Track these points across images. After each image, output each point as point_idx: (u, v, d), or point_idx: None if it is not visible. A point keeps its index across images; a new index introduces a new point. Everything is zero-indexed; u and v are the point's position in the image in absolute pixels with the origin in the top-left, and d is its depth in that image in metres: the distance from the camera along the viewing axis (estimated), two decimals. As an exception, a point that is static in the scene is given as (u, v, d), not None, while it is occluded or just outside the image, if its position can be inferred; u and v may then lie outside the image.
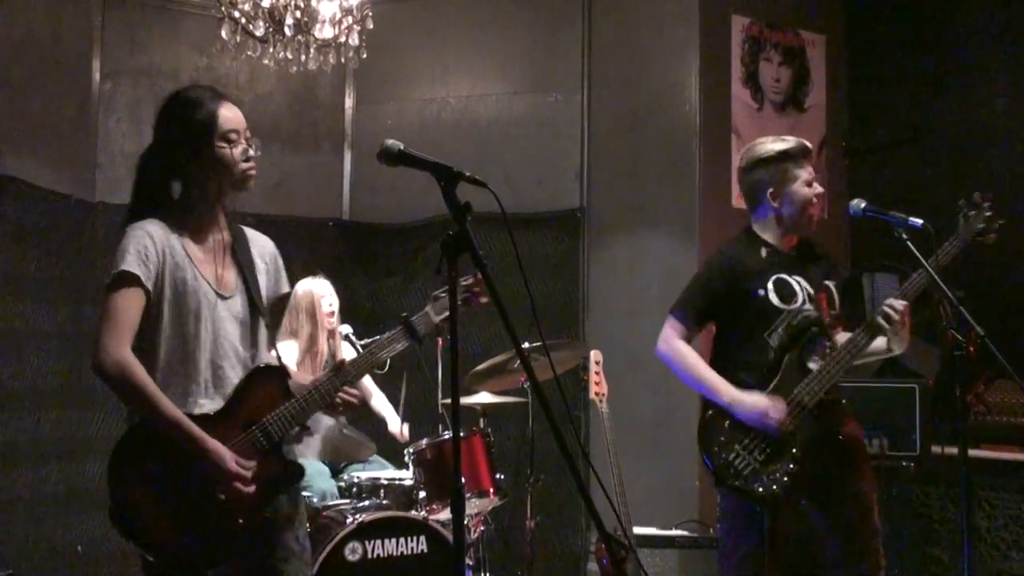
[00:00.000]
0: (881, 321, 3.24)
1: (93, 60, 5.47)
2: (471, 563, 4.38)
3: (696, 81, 5.36)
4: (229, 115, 2.69)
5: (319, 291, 4.75)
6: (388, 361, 4.61)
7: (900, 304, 3.23)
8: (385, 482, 4.29)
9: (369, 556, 3.82)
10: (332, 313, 4.74)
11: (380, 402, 4.96)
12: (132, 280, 2.56)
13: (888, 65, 5.73)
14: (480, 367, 4.45)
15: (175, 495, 2.52)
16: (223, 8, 4.71)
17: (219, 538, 2.57)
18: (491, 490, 4.21)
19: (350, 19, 4.85)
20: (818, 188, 3.43)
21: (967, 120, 5.32)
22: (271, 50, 4.84)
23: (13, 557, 4.70)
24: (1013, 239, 3.56)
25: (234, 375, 2.69)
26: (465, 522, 4.17)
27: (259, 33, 4.79)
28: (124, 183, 2.76)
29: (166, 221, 2.66)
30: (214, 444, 2.54)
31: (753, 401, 3.25)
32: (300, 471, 2.76)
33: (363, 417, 4.91)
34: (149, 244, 2.59)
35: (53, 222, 5.04)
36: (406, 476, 4.27)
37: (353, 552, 3.80)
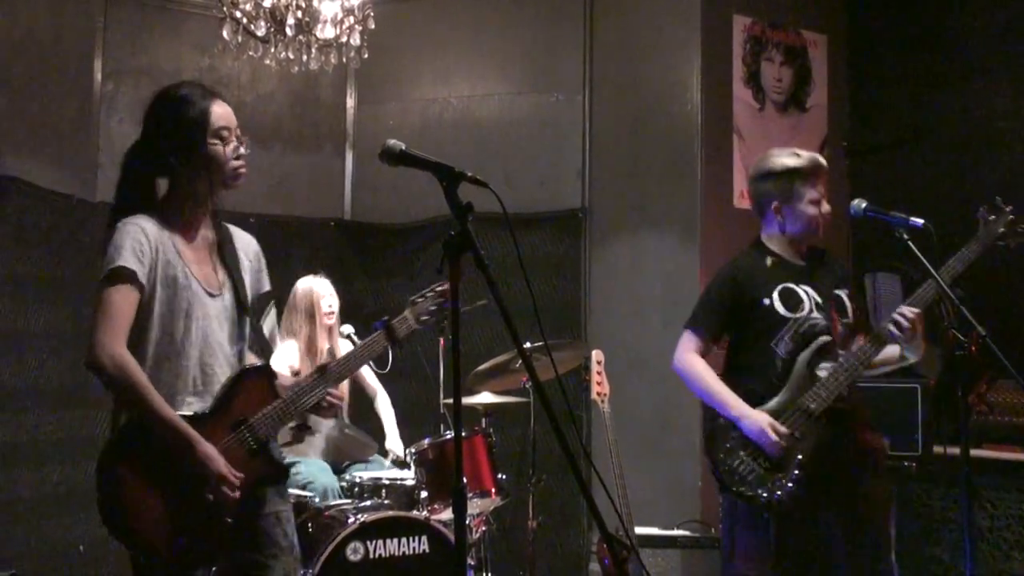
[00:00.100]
0: (892, 329, 3.24)
1: (95, 60, 5.47)
2: (473, 563, 4.37)
3: (697, 81, 5.36)
4: (221, 112, 2.69)
5: (319, 290, 4.75)
6: (390, 361, 4.65)
7: (910, 312, 3.23)
8: (387, 482, 4.29)
9: (371, 556, 3.82)
10: (331, 313, 4.73)
11: (384, 404, 4.95)
12: (128, 276, 2.55)
13: (890, 65, 5.72)
14: (482, 367, 4.46)
15: (165, 495, 2.53)
16: (225, 8, 4.72)
17: (208, 538, 2.58)
18: (493, 490, 4.21)
19: (351, 19, 4.85)
20: (826, 208, 3.43)
21: (969, 120, 5.31)
22: (273, 50, 4.85)
23: (14, 557, 4.70)
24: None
25: (222, 374, 2.70)
26: (467, 522, 4.17)
27: (261, 33, 4.80)
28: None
29: (156, 217, 2.66)
30: (205, 446, 2.54)
31: (756, 418, 3.27)
32: (286, 471, 2.79)
33: (365, 417, 4.91)
34: (143, 239, 2.59)
35: (54, 222, 5.04)
36: (408, 476, 4.27)
37: (355, 552, 3.80)
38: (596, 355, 4.42)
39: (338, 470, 4.58)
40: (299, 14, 4.75)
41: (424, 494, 4.10)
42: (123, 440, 2.58)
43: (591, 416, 5.28)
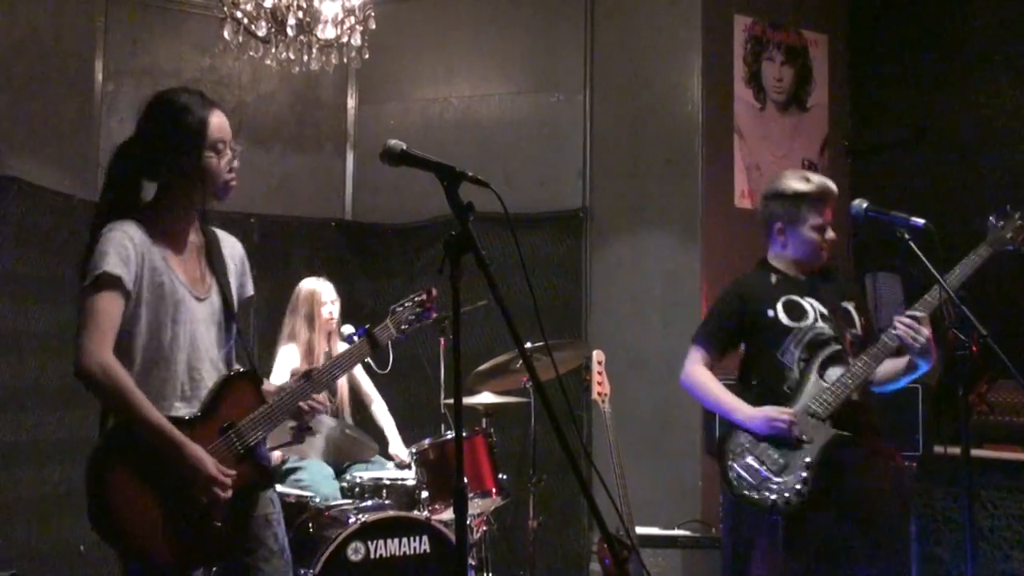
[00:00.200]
0: (898, 334, 3.27)
1: (96, 60, 5.47)
2: (473, 563, 4.37)
3: (698, 81, 5.36)
4: (218, 123, 2.68)
5: (321, 296, 4.74)
6: (390, 361, 4.65)
7: (907, 320, 3.26)
8: (387, 482, 4.29)
9: (372, 556, 3.82)
10: (331, 319, 4.73)
11: (381, 410, 4.95)
12: (114, 282, 2.54)
13: (891, 64, 5.72)
14: (483, 367, 4.45)
15: (154, 499, 2.52)
16: (225, 8, 4.72)
17: (198, 541, 2.57)
18: (493, 490, 4.21)
19: (352, 19, 4.85)
20: (830, 234, 3.48)
21: (970, 119, 5.31)
22: (273, 50, 4.85)
23: (16, 557, 4.70)
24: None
25: (209, 378, 2.70)
26: (467, 522, 4.17)
27: (261, 33, 4.80)
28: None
29: (142, 222, 2.64)
30: (195, 449, 2.54)
31: (761, 413, 3.33)
32: (273, 475, 2.82)
33: (363, 421, 4.91)
34: (129, 245, 2.57)
35: (55, 222, 5.04)
36: (408, 476, 4.27)
37: (356, 552, 3.80)
38: (597, 355, 4.41)
39: (339, 471, 4.59)
40: (300, 14, 4.75)
41: (425, 494, 4.10)
42: (112, 443, 2.58)
43: (592, 416, 5.28)
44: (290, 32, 4.76)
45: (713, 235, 5.30)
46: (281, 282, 5.47)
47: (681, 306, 5.31)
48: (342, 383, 4.78)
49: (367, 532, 3.82)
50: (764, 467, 3.30)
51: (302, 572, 3.68)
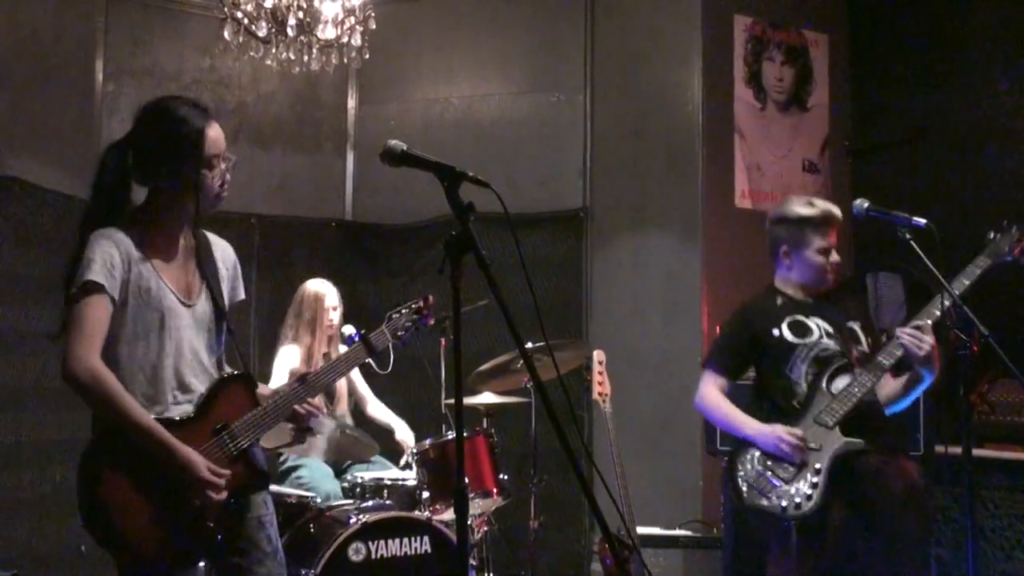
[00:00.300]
0: (902, 343, 3.31)
1: (96, 61, 5.47)
2: (474, 563, 4.37)
3: (699, 81, 5.36)
4: (214, 137, 2.68)
5: (326, 301, 4.73)
6: (391, 361, 4.65)
7: (911, 329, 3.31)
8: (388, 482, 4.29)
9: (373, 556, 3.82)
10: (331, 324, 4.73)
11: (377, 410, 4.95)
12: (98, 290, 2.54)
13: (891, 64, 5.72)
14: (483, 367, 4.46)
15: (146, 500, 2.53)
16: (226, 9, 4.72)
17: (190, 542, 2.58)
18: (494, 490, 4.21)
19: (352, 19, 4.85)
20: (834, 257, 3.56)
21: (971, 119, 5.30)
22: (274, 51, 4.85)
23: (17, 557, 4.70)
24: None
25: (198, 382, 2.70)
26: (468, 522, 4.16)
27: (262, 34, 4.80)
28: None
29: (130, 228, 2.64)
30: (186, 451, 2.55)
31: (769, 430, 3.38)
32: (267, 477, 2.80)
33: (363, 422, 4.91)
34: (115, 253, 2.58)
35: (56, 223, 5.04)
36: (409, 476, 4.27)
37: (357, 552, 3.80)
38: (597, 355, 4.42)
39: (339, 471, 4.59)
40: (300, 15, 4.75)
41: (426, 494, 4.10)
42: (103, 444, 2.59)
43: (592, 416, 5.28)
44: (290, 32, 4.76)
45: (713, 235, 5.30)
46: (281, 282, 5.47)
47: (681, 306, 5.32)
48: (341, 384, 4.78)
49: (368, 532, 3.82)
50: (774, 476, 3.35)
51: (303, 572, 3.68)
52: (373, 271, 6.05)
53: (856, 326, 3.57)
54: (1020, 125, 5.12)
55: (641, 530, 4.35)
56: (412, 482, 4.22)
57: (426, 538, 3.93)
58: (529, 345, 3.94)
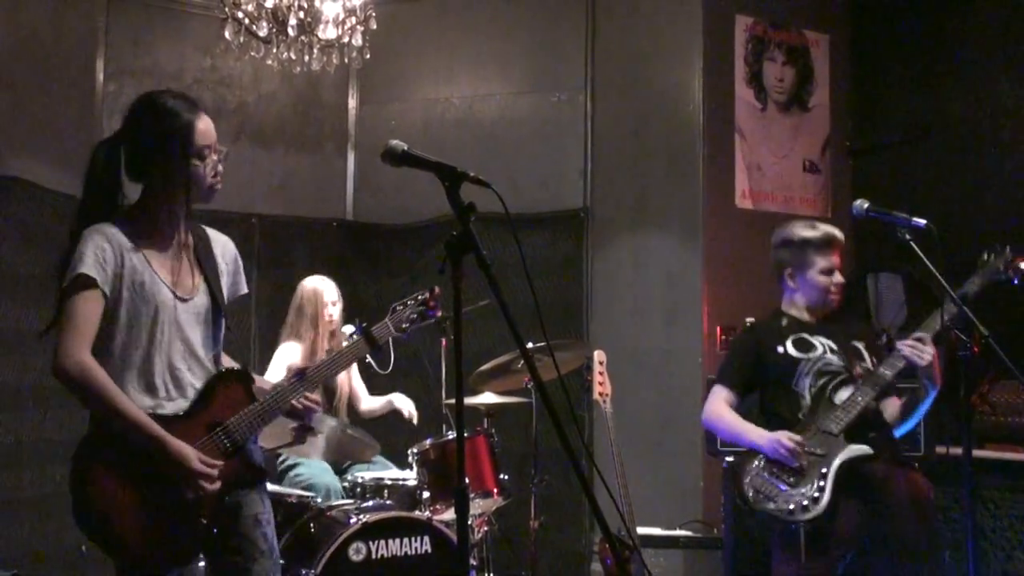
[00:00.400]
0: (904, 354, 3.38)
1: (97, 61, 5.47)
2: (475, 563, 4.37)
3: (699, 81, 5.36)
4: (204, 129, 2.67)
5: (326, 297, 4.73)
6: (392, 361, 4.65)
7: (912, 341, 3.38)
8: (389, 482, 4.29)
9: (373, 556, 3.82)
10: (331, 319, 4.73)
11: (370, 401, 4.95)
12: (90, 284, 2.54)
13: (892, 64, 5.72)
14: (484, 367, 4.46)
15: (139, 496, 2.52)
16: (227, 9, 4.73)
17: (183, 538, 2.57)
18: (495, 490, 4.21)
19: (353, 20, 4.85)
20: (837, 278, 3.65)
21: (972, 119, 5.30)
22: (275, 51, 4.85)
23: (17, 557, 4.70)
24: (1018, 238, 3.57)
25: (193, 378, 2.69)
26: (469, 522, 4.16)
27: (263, 34, 4.80)
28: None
29: (124, 224, 2.64)
30: (178, 444, 2.54)
31: (771, 436, 3.44)
32: (263, 473, 2.78)
33: (362, 421, 4.91)
34: (107, 247, 2.58)
35: (57, 223, 5.03)
36: (410, 476, 4.27)
37: (357, 552, 3.80)
38: (598, 355, 4.42)
39: (339, 470, 4.59)
40: (301, 15, 4.76)
41: (426, 494, 4.10)
42: (95, 441, 2.58)
43: (593, 416, 5.28)
44: (291, 32, 4.76)
45: (714, 235, 5.30)
46: (282, 282, 5.47)
47: (682, 306, 5.32)
48: (343, 382, 4.78)
49: (368, 532, 3.82)
50: (780, 481, 3.38)
51: (303, 572, 3.68)
52: (374, 271, 6.05)
53: (860, 345, 3.65)
54: (1020, 125, 5.12)
55: (641, 530, 4.35)
56: (412, 482, 4.22)
57: (426, 538, 3.93)
58: (530, 345, 3.95)
